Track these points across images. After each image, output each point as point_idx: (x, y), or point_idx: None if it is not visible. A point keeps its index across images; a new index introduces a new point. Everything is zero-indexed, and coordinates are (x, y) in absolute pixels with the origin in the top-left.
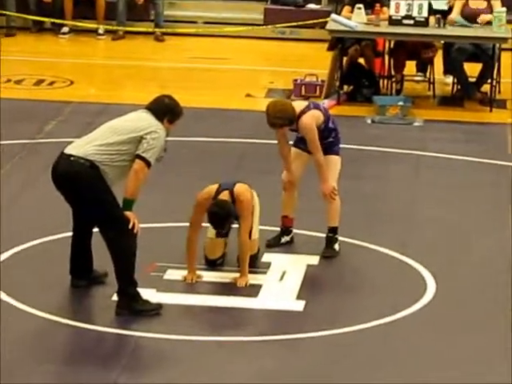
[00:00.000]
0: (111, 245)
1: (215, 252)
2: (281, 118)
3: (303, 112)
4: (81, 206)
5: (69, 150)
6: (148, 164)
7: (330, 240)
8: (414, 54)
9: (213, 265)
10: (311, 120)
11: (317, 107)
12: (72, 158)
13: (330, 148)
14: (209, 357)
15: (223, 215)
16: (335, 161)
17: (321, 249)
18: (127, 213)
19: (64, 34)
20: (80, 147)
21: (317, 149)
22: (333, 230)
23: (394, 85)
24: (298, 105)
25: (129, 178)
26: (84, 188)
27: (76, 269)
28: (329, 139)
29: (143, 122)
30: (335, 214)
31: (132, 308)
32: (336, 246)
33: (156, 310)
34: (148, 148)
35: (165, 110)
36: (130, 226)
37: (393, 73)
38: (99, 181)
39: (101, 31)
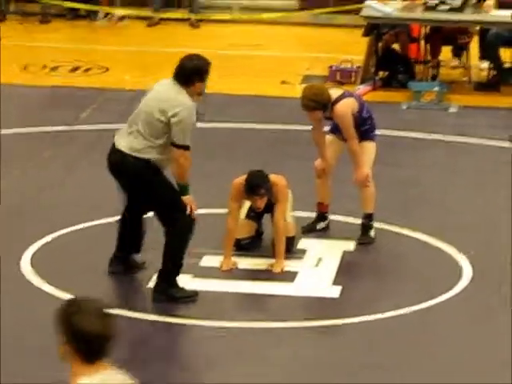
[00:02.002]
0: (170, 226)
1: (241, 231)
2: (314, 101)
3: (338, 99)
4: (140, 198)
5: (120, 145)
6: (185, 148)
7: (366, 227)
8: (449, 39)
9: (238, 245)
10: (346, 107)
11: (351, 95)
12: (126, 157)
13: (365, 135)
14: (245, 344)
15: (260, 176)
16: (370, 147)
17: (357, 235)
18: (184, 198)
19: (99, 18)
20: (129, 142)
21: (351, 136)
22: (368, 217)
23: (429, 70)
24: (334, 92)
25: (173, 166)
26: (143, 185)
27: (124, 246)
28: (364, 127)
29: (165, 102)
30: (370, 201)
31: (169, 294)
32: (372, 233)
33: (192, 297)
34: (179, 133)
35: (190, 73)
36: (188, 210)
37: (428, 58)
38: (156, 174)
39: (100, 15)
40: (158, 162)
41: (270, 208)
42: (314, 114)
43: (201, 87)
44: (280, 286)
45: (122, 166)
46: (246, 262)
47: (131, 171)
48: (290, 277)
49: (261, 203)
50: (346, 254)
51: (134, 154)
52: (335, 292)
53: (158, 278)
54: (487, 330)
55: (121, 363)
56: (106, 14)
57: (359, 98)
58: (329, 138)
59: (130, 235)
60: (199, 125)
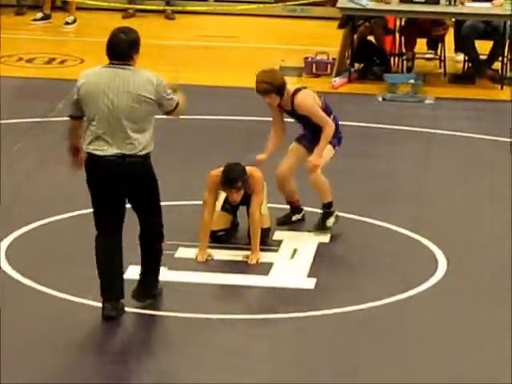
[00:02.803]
0: (158, 230)
1: (217, 223)
2: (267, 83)
3: (297, 91)
4: (136, 198)
5: (117, 150)
6: (177, 105)
7: (323, 215)
8: (424, 31)
9: (214, 237)
10: (307, 96)
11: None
12: (130, 159)
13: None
14: (221, 335)
15: (237, 168)
16: (327, 149)
17: (332, 227)
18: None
19: (68, 24)
20: (128, 142)
21: (325, 121)
22: (325, 206)
23: (404, 62)
24: (291, 87)
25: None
26: (148, 182)
27: (113, 288)
28: None
29: (140, 84)
30: (323, 191)
31: (153, 295)
32: (329, 222)
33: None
34: (166, 103)
35: (127, 47)
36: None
37: (403, 50)
38: (152, 169)
39: (69, 20)
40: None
41: (245, 200)
42: (270, 99)
43: (137, 59)
44: (255, 278)
45: (130, 170)
46: (221, 254)
47: (141, 171)
48: (265, 268)
49: (237, 196)
50: (321, 245)
51: (142, 152)
52: (310, 284)
53: (147, 283)
54: (463, 321)
55: (93, 352)
56: (46, 16)
57: (326, 104)
58: (294, 145)
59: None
60: (174, 116)
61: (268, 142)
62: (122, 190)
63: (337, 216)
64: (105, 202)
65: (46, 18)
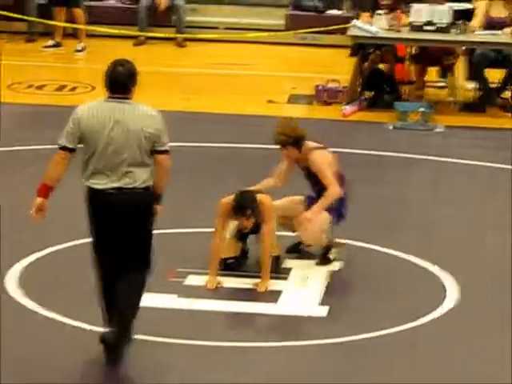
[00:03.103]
0: (145, 265)
1: (227, 251)
2: (286, 135)
3: (317, 148)
4: (127, 237)
5: (112, 184)
6: (169, 152)
7: (324, 255)
8: (435, 60)
9: (223, 264)
10: (324, 156)
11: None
12: (131, 192)
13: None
14: (230, 363)
15: (247, 196)
16: (324, 216)
17: (343, 255)
18: (159, 207)
19: (78, 51)
20: (129, 176)
21: (331, 182)
22: (325, 248)
23: (414, 91)
24: (312, 143)
25: (161, 175)
26: (144, 218)
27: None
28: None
29: (139, 117)
30: (316, 239)
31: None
32: (331, 255)
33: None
34: (164, 137)
35: (127, 80)
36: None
37: (414, 79)
38: (151, 204)
39: (79, 47)
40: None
41: (256, 228)
42: (287, 151)
43: (134, 92)
44: (264, 306)
45: (128, 202)
46: (231, 281)
47: (142, 206)
48: (274, 296)
49: (248, 223)
50: (332, 273)
51: (142, 185)
52: (322, 312)
53: (127, 322)
54: (472, 349)
55: (103, 381)
56: (57, 44)
57: (341, 173)
58: (297, 197)
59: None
60: (185, 144)
61: (264, 180)
62: (121, 223)
63: (343, 244)
64: (106, 239)
65: (57, 45)
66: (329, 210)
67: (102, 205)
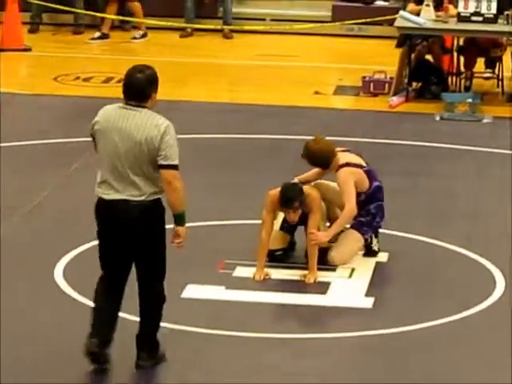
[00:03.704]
0: (159, 279)
1: (274, 243)
2: (311, 158)
3: (348, 164)
4: (138, 250)
5: (117, 195)
6: (176, 167)
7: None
8: (483, 50)
9: (271, 256)
10: (350, 174)
11: (369, 173)
12: (138, 204)
13: (357, 226)
14: (278, 354)
15: (294, 189)
16: (356, 237)
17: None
18: (181, 228)
19: (135, 38)
20: (134, 188)
21: (350, 199)
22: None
23: (462, 81)
24: (347, 156)
25: (167, 193)
26: (154, 232)
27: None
28: (360, 218)
29: (146, 127)
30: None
31: (155, 356)
32: (374, 247)
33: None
34: (170, 152)
35: (145, 86)
36: (181, 241)
37: (462, 69)
38: (163, 215)
39: (137, 35)
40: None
41: (303, 219)
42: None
43: (156, 97)
44: (313, 297)
45: (134, 215)
46: (279, 273)
47: (147, 217)
48: (323, 287)
49: (294, 216)
50: (378, 264)
51: (150, 198)
52: (368, 303)
53: (145, 345)
54: None
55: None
56: (104, 35)
57: (378, 188)
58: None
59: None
60: (233, 136)
61: (311, 171)
62: (127, 239)
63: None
64: (110, 250)
65: (104, 37)
66: (359, 228)
67: (106, 216)
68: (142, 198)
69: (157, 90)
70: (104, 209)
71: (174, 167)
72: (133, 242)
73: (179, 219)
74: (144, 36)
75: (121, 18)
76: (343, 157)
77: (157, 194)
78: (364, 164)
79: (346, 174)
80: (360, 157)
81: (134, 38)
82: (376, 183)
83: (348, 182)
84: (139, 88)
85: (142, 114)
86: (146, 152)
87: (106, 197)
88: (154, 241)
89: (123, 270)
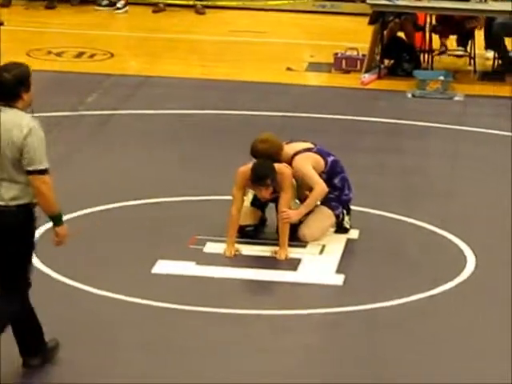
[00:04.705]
0: (14, 304)
1: (245, 218)
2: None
3: (299, 152)
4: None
5: None
6: (44, 171)
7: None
8: (457, 25)
9: (242, 232)
10: (304, 160)
11: (320, 151)
12: (6, 208)
13: (326, 200)
14: (248, 330)
15: (266, 166)
16: (326, 213)
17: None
18: (59, 228)
19: (118, 9)
20: (3, 192)
21: (316, 181)
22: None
23: (435, 58)
24: (297, 146)
25: (36, 198)
26: (19, 237)
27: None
28: (329, 194)
29: (11, 130)
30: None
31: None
32: (346, 224)
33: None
34: (35, 156)
35: (14, 85)
36: (59, 240)
37: (434, 47)
38: (32, 220)
39: (119, 5)
40: (32, 203)
41: (274, 197)
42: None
43: (29, 97)
44: (284, 273)
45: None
46: (249, 249)
47: (14, 223)
48: (293, 264)
49: (266, 193)
50: (349, 241)
51: (12, 203)
52: (338, 280)
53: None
54: (491, 319)
55: (125, 346)
56: (110, 3)
57: (334, 163)
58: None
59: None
60: (206, 112)
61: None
62: None
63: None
64: None
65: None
66: (329, 203)
67: None
68: (2, 203)
69: (29, 90)
70: None
71: (41, 172)
72: None
73: (54, 220)
74: (125, 6)
75: None
76: (290, 148)
77: (19, 199)
78: (312, 146)
79: (300, 161)
80: (304, 141)
81: (118, 9)
82: (331, 158)
83: (306, 167)
84: (6, 88)
85: (8, 115)
86: (10, 155)
87: None
88: (9, 250)
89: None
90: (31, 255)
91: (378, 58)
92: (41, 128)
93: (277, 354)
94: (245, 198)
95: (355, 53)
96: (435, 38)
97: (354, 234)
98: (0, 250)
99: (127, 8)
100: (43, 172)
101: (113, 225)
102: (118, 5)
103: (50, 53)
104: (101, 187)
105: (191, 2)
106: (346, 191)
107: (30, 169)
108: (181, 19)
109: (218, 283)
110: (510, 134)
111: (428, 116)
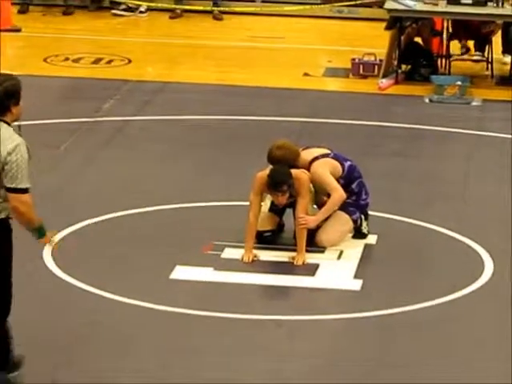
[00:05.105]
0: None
1: (263, 224)
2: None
3: (316, 159)
4: None
5: None
6: (23, 191)
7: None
8: (473, 31)
9: (260, 238)
10: (322, 166)
11: (337, 157)
12: None
13: (343, 206)
14: (267, 336)
15: (283, 172)
16: (343, 218)
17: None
18: (44, 240)
19: (141, 12)
20: None
21: (333, 186)
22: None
23: (452, 63)
24: (314, 151)
25: (14, 217)
26: None
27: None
28: (346, 200)
29: None
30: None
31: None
32: (364, 229)
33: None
34: (15, 174)
35: (3, 97)
36: (51, 244)
37: (452, 52)
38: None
39: (142, 9)
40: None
41: (291, 203)
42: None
43: (18, 111)
44: (301, 279)
45: None
46: (267, 255)
47: None
48: (311, 269)
49: (282, 199)
50: (367, 246)
51: None
52: (356, 285)
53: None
54: (509, 324)
55: (143, 352)
56: (129, 8)
57: (352, 168)
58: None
59: None
60: (224, 117)
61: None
62: None
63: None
64: None
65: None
66: (346, 209)
67: None
68: None
69: (18, 103)
70: None
71: (21, 191)
72: None
73: (35, 234)
74: (147, 10)
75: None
76: (308, 154)
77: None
78: (328, 151)
79: (318, 167)
80: (319, 147)
81: (141, 13)
82: (347, 163)
83: (325, 173)
84: None
85: None
86: None
87: None
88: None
89: None
90: (10, 271)
91: (395, 63)
92: (26, 148)
93: (294, 359)
94: (263, 203)
95: (372, 58)
96: (454, 42)
97: (371, 239)
98: None
99: (147, 13)
100: (23, 191)
101: (131, 230)
102: (141, 9)
103: (67, 59)
104: (119, 193)
105: (208, 8)
106: (364, 196)
107: (11, 186)
108: (198, 25)
109: (235, 289)
110: None
111: (446, 121)
